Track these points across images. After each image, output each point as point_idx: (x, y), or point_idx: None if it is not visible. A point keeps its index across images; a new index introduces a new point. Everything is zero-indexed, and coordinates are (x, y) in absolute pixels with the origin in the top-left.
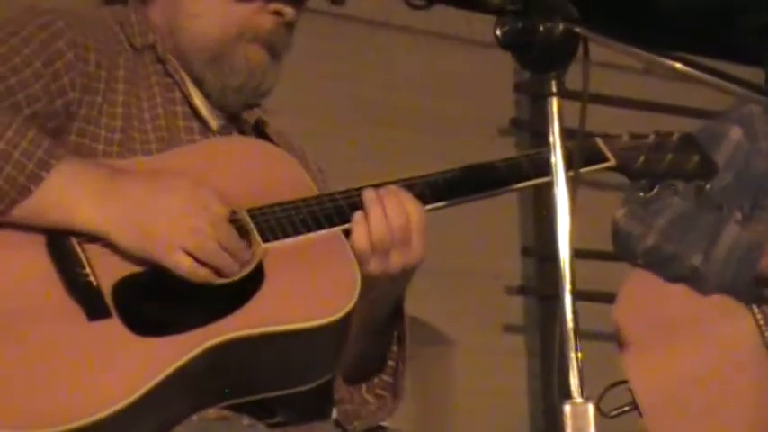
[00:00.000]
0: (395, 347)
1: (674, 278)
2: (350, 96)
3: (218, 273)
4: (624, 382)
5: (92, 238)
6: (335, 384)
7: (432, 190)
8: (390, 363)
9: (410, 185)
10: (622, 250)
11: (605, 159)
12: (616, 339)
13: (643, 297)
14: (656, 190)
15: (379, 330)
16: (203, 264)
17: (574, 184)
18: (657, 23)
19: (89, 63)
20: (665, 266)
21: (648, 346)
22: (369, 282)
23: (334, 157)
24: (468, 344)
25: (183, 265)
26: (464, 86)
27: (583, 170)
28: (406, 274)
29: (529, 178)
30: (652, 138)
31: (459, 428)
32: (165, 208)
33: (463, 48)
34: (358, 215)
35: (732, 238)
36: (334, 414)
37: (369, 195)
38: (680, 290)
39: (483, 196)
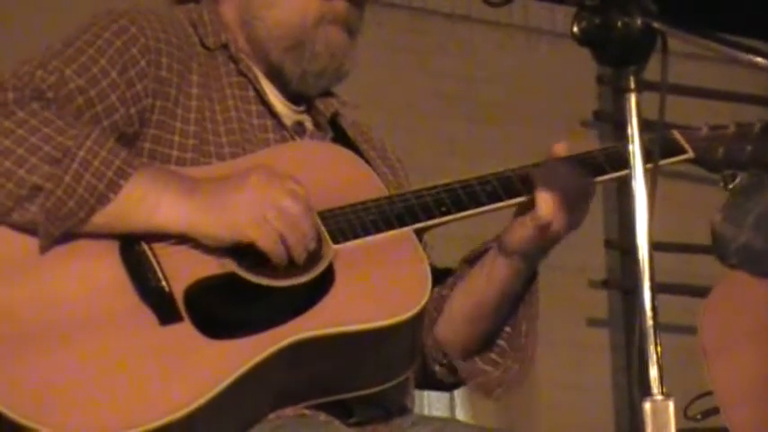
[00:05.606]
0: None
1: (765, 274)
2: (432, 90)
3: (291, 256)
4: (710, 393)
5: (165, 242)
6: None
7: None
8: (506, 328)
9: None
10: (719, 253)
11: (683, 151)
12: (700, 348)
13: (727, 307)
14: (737, 180)
15: (511, 303)
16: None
17: (652, 176)
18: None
19: (161, 68)
20: (757, 262)
21: (732, 353)
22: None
23: (417, 151)
24: (552, 338)
25: (267, 235)
26: (546, 79)
27: (661, 162)
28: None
29: (605, 172)
30: (732, 128)
31: (542, 423)
32: (245, 190)
33: (545, 40)
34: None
35: None
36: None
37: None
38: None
39: None
